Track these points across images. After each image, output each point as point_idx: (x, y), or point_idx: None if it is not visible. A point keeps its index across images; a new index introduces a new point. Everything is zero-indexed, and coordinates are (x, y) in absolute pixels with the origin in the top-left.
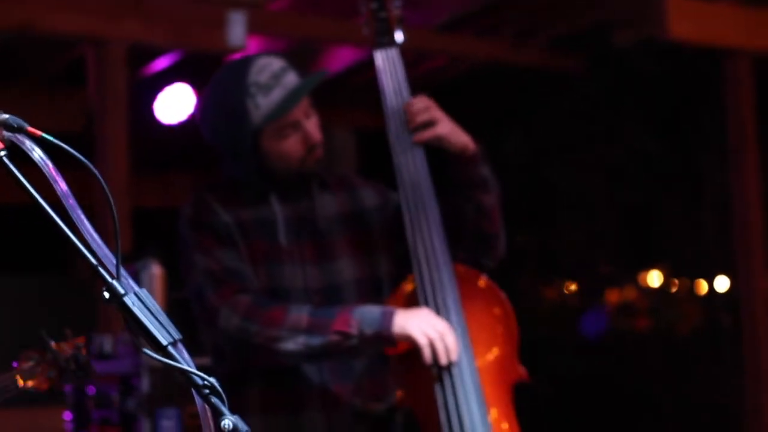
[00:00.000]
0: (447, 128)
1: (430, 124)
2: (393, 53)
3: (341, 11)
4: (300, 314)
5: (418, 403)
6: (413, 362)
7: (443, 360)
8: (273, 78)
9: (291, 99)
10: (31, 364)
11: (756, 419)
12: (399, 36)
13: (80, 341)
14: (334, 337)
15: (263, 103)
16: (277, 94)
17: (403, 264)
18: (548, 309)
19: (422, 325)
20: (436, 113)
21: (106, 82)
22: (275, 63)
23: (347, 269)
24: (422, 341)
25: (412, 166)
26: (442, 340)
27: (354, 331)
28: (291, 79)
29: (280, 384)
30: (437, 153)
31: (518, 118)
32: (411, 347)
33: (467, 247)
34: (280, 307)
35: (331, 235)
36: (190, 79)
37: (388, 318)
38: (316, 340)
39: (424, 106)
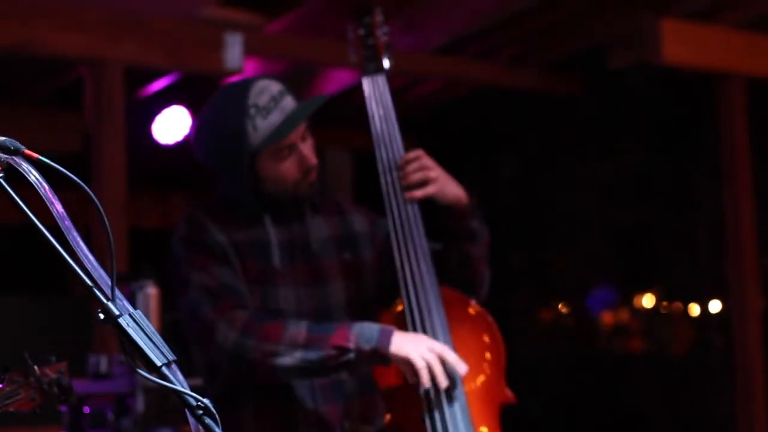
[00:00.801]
0: (439, 185)
1: (423, 183)
2: (380, 80)
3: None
4: (298, 329)
5: (407, 427)
6: (403, 387)
7: (442, 384)
8: (272, 101)
9: (290, 122)
10: (14, 386)
11: None
12: (387, 62)
13: (62, 366)
14: (331, 352)
15: (262, 126)
16: (275, 117)
17: (388, 291)
18: (542, 330)
19: (419, 348)
20: (430, 172)
21: (103, 103)
22: (274, 86)
23: (338, 293)
24: (420, 364)
25: (402, 208)
26: (440, 363)
27: (351, 345)
28: (289, 102)
29: (273, 404)
30: (428, 202)
31: (513, 139)
32: (402, 375)
33: (450, 287)
34: (277, 322)
35: (323, 258)
36: (187, 101)
37: (386, 336)
38: (313, 355)
39: (418, 165)
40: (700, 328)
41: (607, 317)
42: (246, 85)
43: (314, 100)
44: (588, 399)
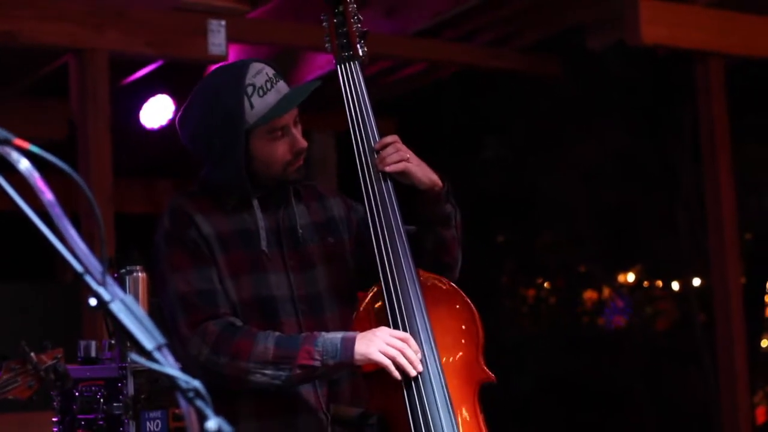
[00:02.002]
0: (414, 166)
1: (398, 162)
2: (354, 67)
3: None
4: (267, 344)
5: (388, 410)
6: (379, 374)
7: (411, 373)
8: (268, 81)
9: (288, 102)
10: (12, 374)
11: (731, 414)
12: (361, 50)
13: (58, 353)
14: (298, 371)
15: (258, 104)
16: (272, 97)
17: (366, 275)
18: (527, 308)
19: (381, 346)
20: (405, 154)
21: (88, 91)
22: (269, 69)
23: (325, 278)
24: (384, 362)
25: (378, 189)
26: (404, 354)
27: (317, 363)
28: (283, 86)
29: (271, 391)
30: (403, 188)
31: (496, 121)
32: (377, 365)
33: (424, 269)
34: (247, 337)
35: (309, 243)
36: (172, 88)
37: (348, 347)
38: (282, 374)
39: (394, 149)
40: (682, 305)
41: (590, 294)
42: (243, 65)
43: (310, 83)
44: (573, 375)
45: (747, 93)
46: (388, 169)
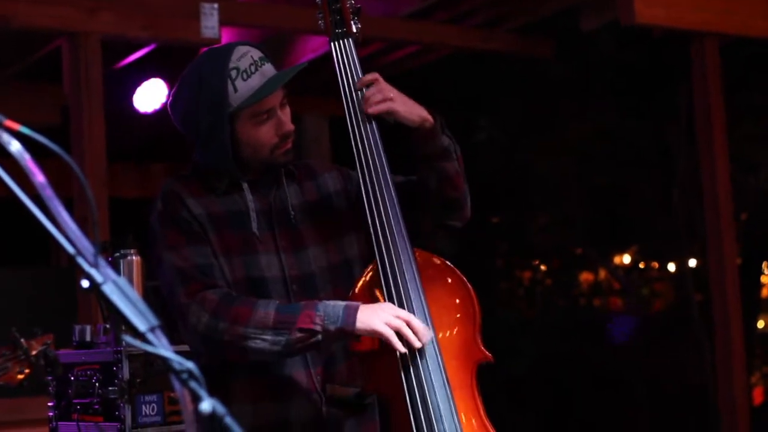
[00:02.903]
0: (400, 104)
1: (384, 101)
2: (348, 44)
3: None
4: (267, 310)
5: (384, 390)
6: (377, 351)
7: (415, 344)
8: (253, 65)
9: (271, 85)
10: (2, 359)
11: (728, 395)
12: (354, 27)
13: (48, 338)
14: (298, 335)
15: (242, 87)
16: (256, 80)
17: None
18: (523, 290)
19: (384, 317)
20: (388, 93)
21: (81, 74)
22: (255, 52)
23: (318, 257)
24: (387, 332)
25: (368, 145)
26: (408, 326)
27: (318, 328)
28: (269, 68)
29: (265, 372)
30: (397, 129)
31: (489, 103)
32: (374, 345)
33: (435, 214)
34: (247, 303)
35: (301, 224)
36: (165, 71)
37: (351, 314)
38: (281, 338)
39: (377, 89)
40: (678, 286)
41: (585, 276)
42: (228, 48)
43: (294, 67)
44: (569, 357)
45: (742, 72)
46: (371, 110)
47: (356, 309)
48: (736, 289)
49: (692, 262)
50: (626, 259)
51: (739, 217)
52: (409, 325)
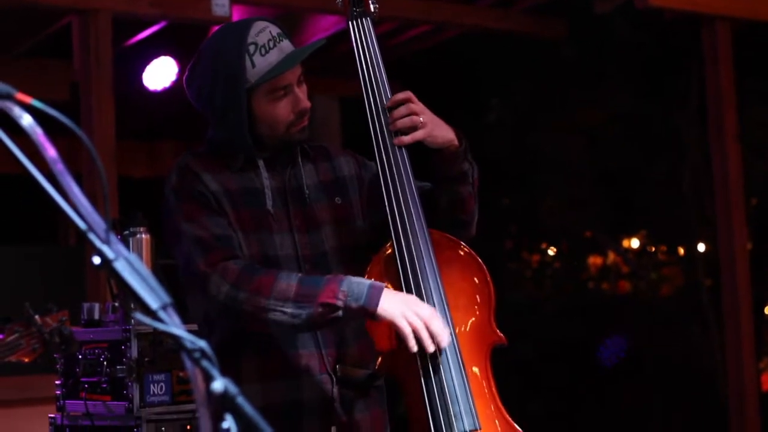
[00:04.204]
0: (429, 129)
1: (412, 128)
2: (366, 23)
3: None
4: (289, 282)
5: (399, 372)
6: (392, 337)
7: (429, 348)
8: (271, 40)
9: (289, 60)
10: (15, 336)
11: (737, 380)
12: (372, 6)
13: (64, 315)
14: (320, 309)
15: (260, 63)
16: (274, 56)
17: (379, 232)
18: (531, 273)
19: (406, 312)
20: (419, 117)
21: (91, 51)
22: (273, 28)
23: (330, 238)
24: (406, 330)
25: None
26: (427, 328)
27: (340, 303)
28: (287, 44)
29: (276, 352)
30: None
31: (501, 84)
32: (390, 329)
33: (439, 228)
34: (269, 274)
35: (315, 204)
36: (175, 49)
37: (375, 294)
38: (302, 311)
39: (406, 110)
40: (687, 270)
41: (595, 259)
42: (246, 23)
43: (313, 43)
44: (577, 341)
45: (754, 56)
46: (396, 141)
47: (381, 290)
48: (746, 275)
49: (702, 247)
50: (635, 243)
51: (749, 202)
52: (428, 326)
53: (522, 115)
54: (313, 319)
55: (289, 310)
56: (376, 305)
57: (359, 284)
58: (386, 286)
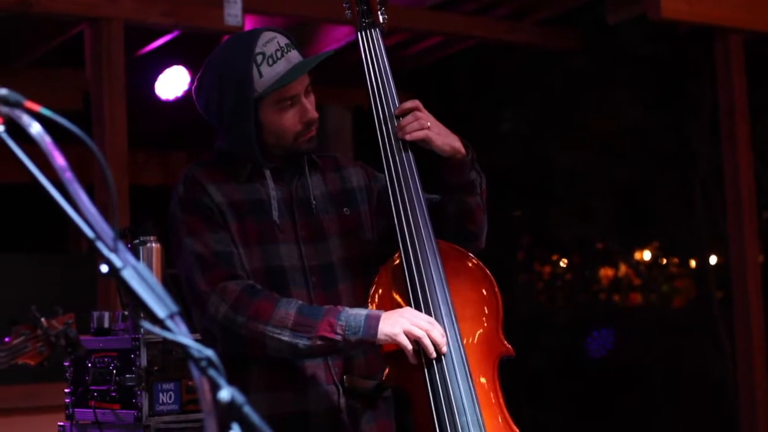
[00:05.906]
0: (435, 133)
1: (420, 130)
2: (375, 34)
3: None
4: (288, 310)
5: (406, 384)
6: (398, 350)
7: (431, 355)
8: (279, 50)
9: (296, 71)
10: (21, 339)
11: (748, 392)
12: (381, 17)
13: (70, 318)
14: (319, 342)
15: (267, 73)
16: (281, 66)
17: (386, 243)
18: (543, 284)
19: (405, 326)
20: (425, 122)
21: (103, 60)
22: (281, 38)
23: (338, 249)
24: (406, 343)
25: (394, 138)
26: (428, 336)
27: (338, 338)
28: (295, 55)
29: (284, 362)
30: (426, 154)
31: (513, 95)
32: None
33: (448, 240)
34: (269, 299)
35: (322, 214)
36: (187, 58)
37: (373, 325)
38: (301, 342)
39: (413, 117)
40: (699, 282)
41: (606, 271)
42: (254, 34)
43: (320, 54)
44: (588, 352)
45: (767, 68)
46: (407, 137)
47: (378, 319)
48: (758, 287)
49: (713, 259)
50: (647, 255)
51: (761, 215)
52: (429, 334)
53: (534, 127)
54: (313, 351)
55: (286, 339)
56: (375, 335)
57: (356, 316)
58: (382, 312)
